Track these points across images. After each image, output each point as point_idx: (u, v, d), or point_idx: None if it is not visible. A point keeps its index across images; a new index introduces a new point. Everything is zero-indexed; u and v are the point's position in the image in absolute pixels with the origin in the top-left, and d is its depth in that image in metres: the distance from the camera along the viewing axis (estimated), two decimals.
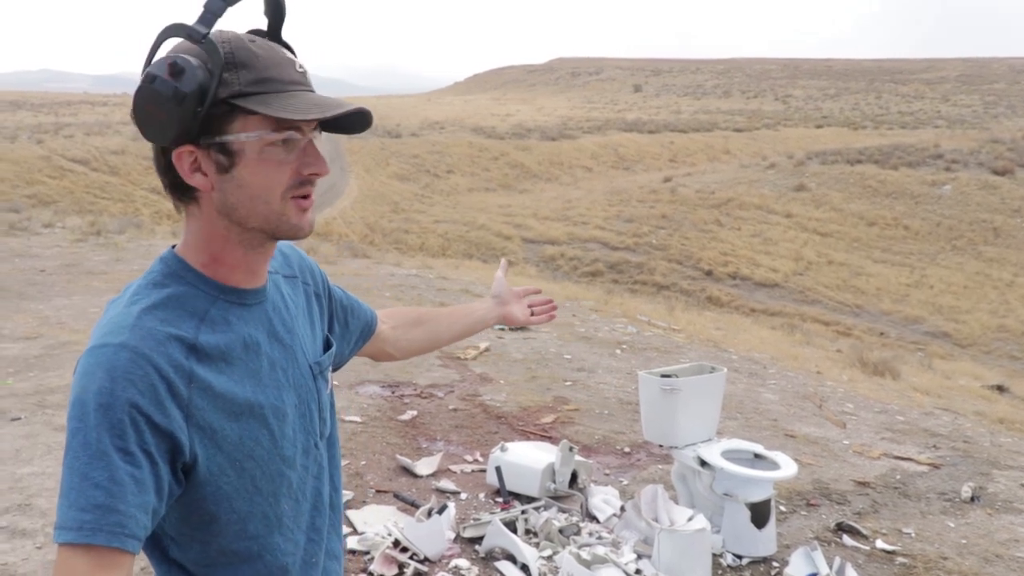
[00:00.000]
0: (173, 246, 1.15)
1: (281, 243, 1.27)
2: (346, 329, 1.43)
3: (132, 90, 1.07)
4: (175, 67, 1.00)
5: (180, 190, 1.08)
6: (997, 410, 7.23)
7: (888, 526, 4.09)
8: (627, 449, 4.97)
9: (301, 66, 1.08)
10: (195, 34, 1.02)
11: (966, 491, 4.58)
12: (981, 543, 3.97)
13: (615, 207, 32.11)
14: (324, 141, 1.15)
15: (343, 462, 4.44)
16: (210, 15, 1.03)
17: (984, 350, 19.68)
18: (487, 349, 7.13)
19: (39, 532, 3.65)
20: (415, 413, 5.34)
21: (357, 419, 5.13)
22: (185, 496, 1.05)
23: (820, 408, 6.25)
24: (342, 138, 43.24)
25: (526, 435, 5.03)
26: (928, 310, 22.16)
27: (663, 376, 3.72)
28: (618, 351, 7.59)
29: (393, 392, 5.78)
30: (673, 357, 7.39)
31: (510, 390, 5.97)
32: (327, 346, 1.32)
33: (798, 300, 23.00)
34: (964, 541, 3.98)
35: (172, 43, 1.05)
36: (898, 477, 4.80)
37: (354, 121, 1.11)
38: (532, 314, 1.76)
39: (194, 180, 1.05)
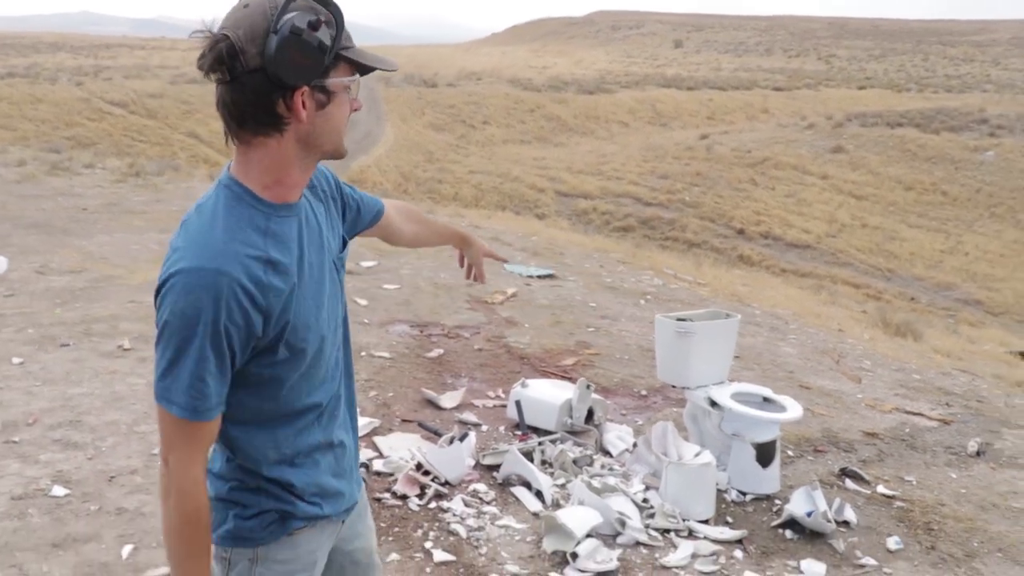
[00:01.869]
0: (230, 174, 1.38)
1: None
2: (358, 217, 1.70)
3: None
4: (316, 25, 1.26)
5: (269, 123, 1.31)
6: (1017, 374, 7.30)
7: (891, 474, 4.25)
8: (644, 392, 5.15)
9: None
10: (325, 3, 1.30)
11: (972, 446, 4.71)
12: (980, 493, 4.12)
13: (650, 163, 31.92)
14: (360, 88, 1.43)
15: (371, 393, 4.69)
16: None
17: (1017, 319, 19.52)
18: (514, 294, 7.31)
19: (89, 446, 3.92)
20: (442, 351, 5.55)
21: (386, 355, 5.36)
22: (250, 368, 1.37)
23: (837, 363, 6.38)
24: (379, 87, 43.20)
25: (547, 375, 5.23)
26: (961, 277, 21.95)
27: (679, 320, 3.88)
28: (642, 301, 7.73)
29: (421, 331, 6.00)
30: (699, 309, 7.51)
31: (534, 333, 6.16)
32: (344, 244, 1.60)
33: (829, 262, 22.88)
34: (963, 490, 4.13)
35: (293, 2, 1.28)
36: (907, 430, 4.93)
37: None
38: (470, 268, 2.15)
39: (301, 115, 1.31)
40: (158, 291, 1.31)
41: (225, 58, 1.25)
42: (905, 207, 27.69)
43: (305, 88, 1.29)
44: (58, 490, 3.49)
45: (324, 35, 1.27)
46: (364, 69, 1.37)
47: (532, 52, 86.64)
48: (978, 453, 4.65)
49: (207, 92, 34.45)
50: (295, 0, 1.27)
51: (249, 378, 1.37)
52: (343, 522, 1.62)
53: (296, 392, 1.44)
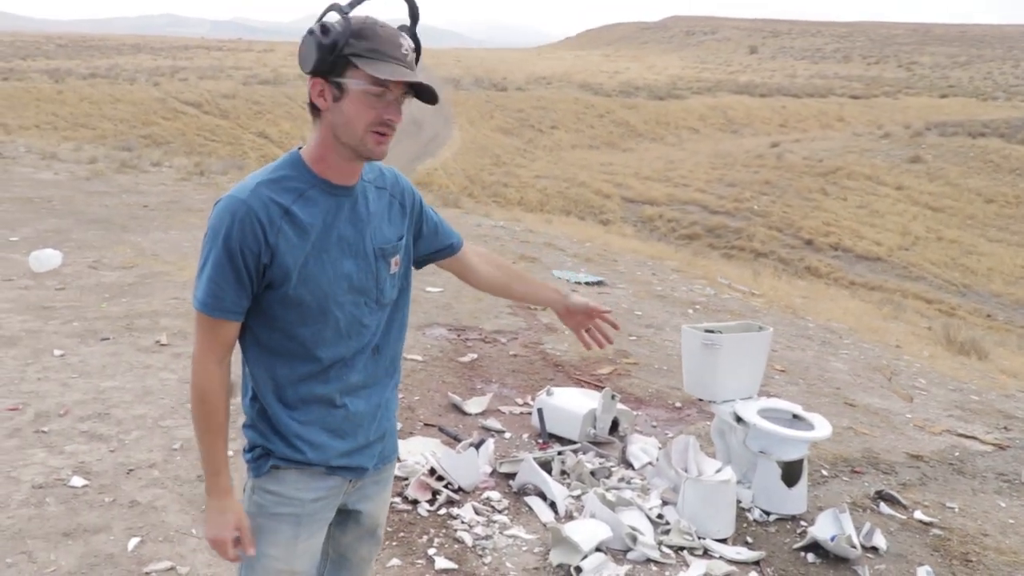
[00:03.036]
0: (300, 147, 1.69)
1: (384, 168, 1.81)
2: (435, 238, 1.91)
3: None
4: (324, 28, 1.55)
5: (314, 107, 1.61)
6: None
7: (932, 499, 4.03)
8: (678, 404, 5.01)
9: (407, 50, 1.58)
10: (341, 10, 1.57)
11: None
12: None
13: (718, 170, 31.43)
14: (404, 105, 1.64)
15: (398, 395, 4.65)
16: (357, 1, 1.59)
17: None
18: None
19: (114, 438, 3.98)
20: (475, 356, 5.50)
21: (418, 358, 5.33)
22: (263, 299, 1.64)
23: (889, 381, 6.12)
24: (448, 89, 43.49)
25: (580, 384, 5.13)
26: None
27: (707, 331, 3.74)
28: (691, 311, 7.57)
29: (459, 335, 5.96)
30: (746, 320, 7.31)
31: (573, 341, 6.06)
32: (399, 238, 1.79)
33: (901, 275, 22.15)
34: (1012, 521, 3.89)
35: (331, 14, 1.57)
36: (956, 454, 4.69)
37: (431, 95, 1.61)
38: (586, 331, 2.10)
39: (317, 100, 1.60)
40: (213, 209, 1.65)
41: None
42: (985, 220, 26.67)
43: (321, 79, 1.57)
44: (77, 480, 3.54)
45: (333, 38, 1.54)
46: (382, 81, 1.57)
47: (604, 57, 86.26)
48: None
49: (278, 93, 35.22)
50: (335, 12, 1.57)
51: (261, 306, 1.64)
52: (351, 483, 1.81)
53: (297, 339, 1.67)
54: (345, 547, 1.94)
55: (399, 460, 3.81)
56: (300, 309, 1.65)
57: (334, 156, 1.63)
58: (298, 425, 1.71)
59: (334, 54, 1.54)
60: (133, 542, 3.11)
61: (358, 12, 1.60)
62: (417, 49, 1.65)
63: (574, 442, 4.09)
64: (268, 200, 1.59)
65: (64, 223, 8.95)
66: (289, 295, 1.62)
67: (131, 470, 3.67)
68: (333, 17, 1.57)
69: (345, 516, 1.89)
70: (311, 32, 1.56)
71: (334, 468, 1.76)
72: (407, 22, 1.66)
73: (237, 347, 1.72)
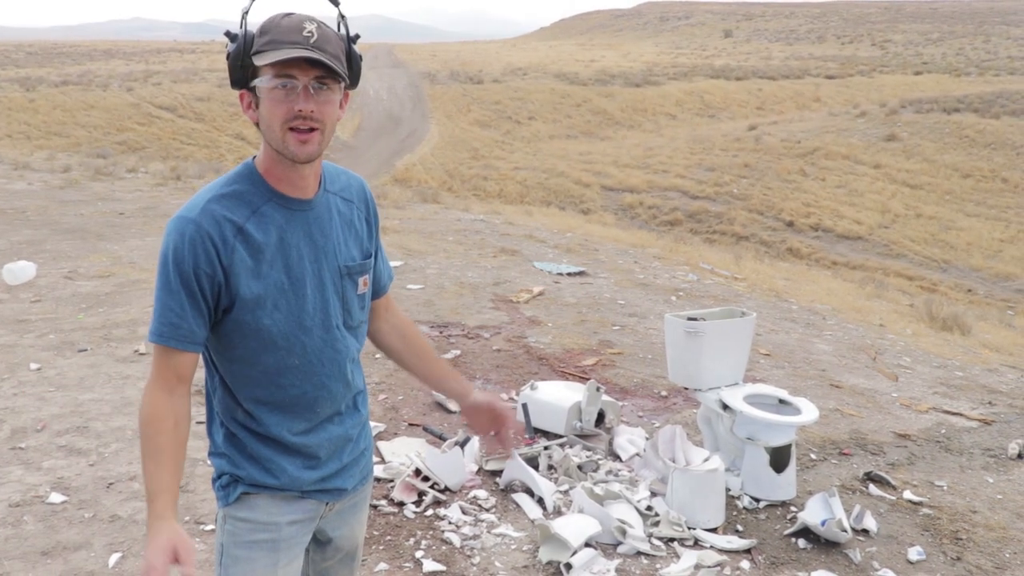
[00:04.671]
0: (254, 156, 1.59)
1: (351, 177, 1.72)
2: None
3: (219, 37, 1.45)
4: (229, 35, 1.50)
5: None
6: None
7: (921, 478, 4.03)
8: (664, 393, 4.98)
9: (311, 32, 1.45)
10: (244, 9, 1.54)
11: (1013, 448, 4.45)
12: (1018, 499, 3.87)
13: (697, 155, 31.44)
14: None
15: (381, 396, 4.60)
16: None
17: None
18: (541, 293, 7.19)
19: (93, 452, 3.91)
20: (459, 352, 5.45)
21: None
22: (221, 325, 1.54)
23: (874, 360, 6.12)
24: (424, 84, 43.29)
25: (565, 376, 5.09)
26: (1022, 267, 21.17)
27: (689, 319, 3.71)
28: (673, 298, 7.54)
29: (441, 332, 5.91)
30: (730, 305, 7.30)
31: (556, 333, 6.02)
32: (366, 256, 1.70)
33: (882, 254, 22.25)
34: (999, 496, 3.89)
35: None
36: (943, 431, 4.69)
37: (347, 72, 1.52)
38: (488, 432, 1.92)
39: (248, 114, 1.53)
40: None
41: None
42: (962, 195, 26.83)
43: (244, 91, 1.51)
44: (55, 497, 3.47)
45: (237, 43, 1.48)
46: (281, 67, 1.46)
47: (579, 46, 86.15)
48: (1020, 456, 4.40)
49: None
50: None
51: (220, 333, 1.54)
52: (328, 505, 1.72)
53: (261, 368, 1.57)
54: (325, 570, 1.85)
55: (384, 461, 3.77)
56: (260, 336, 1.54)
57: (277, 167, 1.53)
58: (269, 451, 1.62)
59: (242, 59, 1.47)
60: (114, 558, 3.05)
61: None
62: (350, 38, 1.55)
63: (560, 436, 4.05)
64: (220, 218, 1.49)
65: (38, 234, 8.82)
66: (246, 321, 1.52)
67: (111, 484, 3.61)
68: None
69: (323, 541, 1.80)
70: (229, 38, 1.50)
71: (309, 492, 1.67)
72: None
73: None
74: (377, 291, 1.79)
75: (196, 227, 1.47)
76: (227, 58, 1.49)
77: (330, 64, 1.44)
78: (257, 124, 1.52)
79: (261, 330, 1.53)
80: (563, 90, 45.15)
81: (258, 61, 1.45)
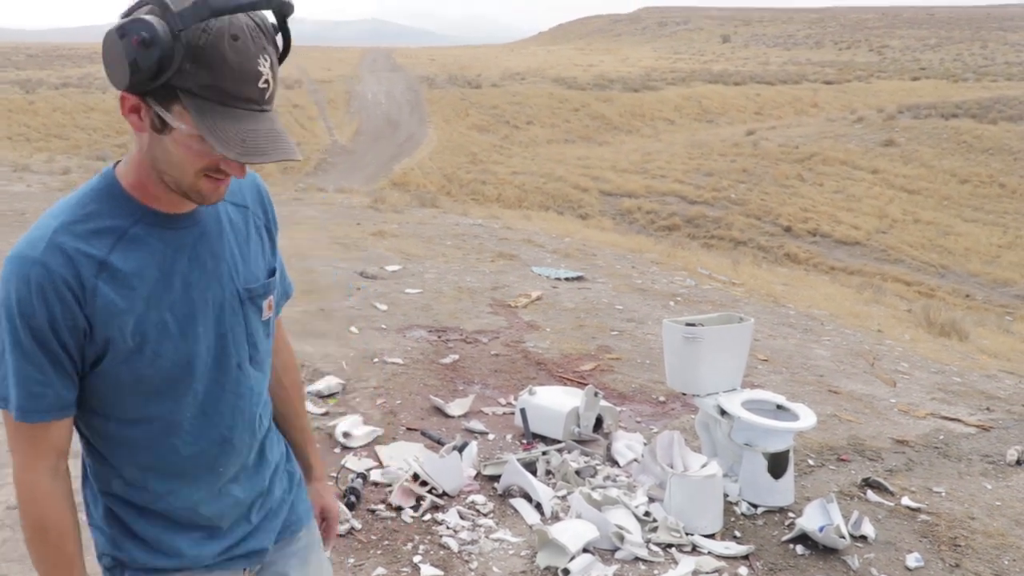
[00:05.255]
0: (117, 162, 1.26)
1: (250, 173, 1.38)
2: None
3: None
4: (145, 42, 1.05)
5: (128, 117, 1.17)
6: None
7: (919, 484, 4.03)
8: (662, 398, 4.99)
9: (266, 82, 1.11)
10: (173, 21, 1.06)
11: (1012, 454, 4.45)
12: (1017, 506, 3.87)
13: (695, 160, 31.50)
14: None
15: (379, 400, 4.60)
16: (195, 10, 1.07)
17: None
18: (539, 298, 7.19)
19: None
20: (457, 357, 5.45)
21: (399, 361, 5.27)
22: (93, 379, 1.23)
23: (872, 366, 6.13)
24: (422, 88, 43.34)
25: (563, 381, 5.09)
26: (1020, 272, 21.19)
27: (687, 324, 3.71)
28: (672, 303, 7.55)
29: (439, 337, 5.90)
30: (727, 311, 7.31)
31: (555, 338, 6.02)
32: (271, 273, 1.41)
33: (880, 259, 22.29)
34: (998, 503, 3.89)
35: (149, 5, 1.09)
36: (941, 437, 4.69)
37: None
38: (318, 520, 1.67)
39: (131, 119, 1.16)
40: None
41: None
42: (960, 201, 26.89)
43: (136, 97, 1.12)
44: None
45: (148, 59, 1.05)
46: (214, 133, 1.10)
47: (577, 50, 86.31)
48: (1018, 462, 4.39)
49: None
50: (154, 6, 1.08)
51: (89, 389, 1.24)
52: (248, 571, 1.45)
53: (144, 426, 1.27)
54: None
55: (382, 466, 3.76)
56: (140, 388, 1.24)
57: (157, 186, 1.21)
58: (157, 529, 1.33)
59: (157, 80, 1.07)
60: None
61: None
62: (285, 52, 1.19)
63: (558, 441, 4.05)
64: (74, 253, 1.15)
65: None
66: (121, 373, 1.21)
67: None
68: (155, 16, 1.07)
69: None
70: (122, 34, 1.06)
71: (214, 565, 1.39)
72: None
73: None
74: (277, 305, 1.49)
75: (43, 270, 1.14)
76: (128, 57, 1.06)
77: (293, 158, 1.13)
78: (143, 136, 1.16)
79: (141, 381, 1.23)
80: (561, 95, 45.23)
81: (199, 119, 1.09)
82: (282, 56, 1.18)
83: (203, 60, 1.07)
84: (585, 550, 3.10)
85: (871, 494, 3.85)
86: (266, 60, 1.11)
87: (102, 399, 1.25)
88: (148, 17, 1.06)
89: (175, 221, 1.25)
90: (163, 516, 1.33)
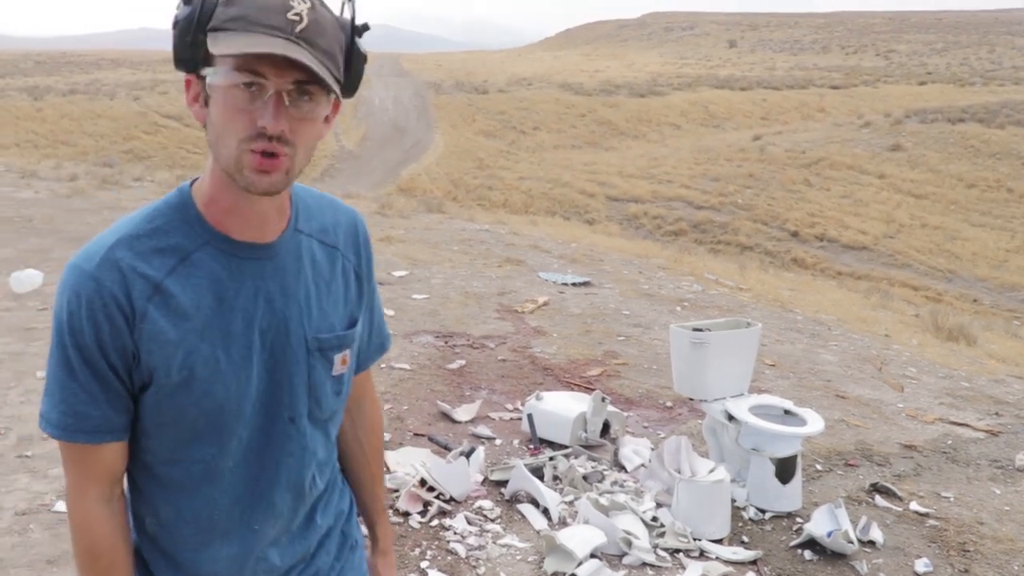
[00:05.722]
0: (195, 179, 1.16)
1: (339, 210, 1.26)
2: (367, 335, 1.36)
3: None
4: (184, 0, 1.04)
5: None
6: None
7: (927, 489, 4.02)
8: (669, 404, 4.98)
9: (298, 15, 1.02)
10: None
11: (1021, 459, 4.44)
12: None
13: (702, 166, 31.50)
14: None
15: (386, 406, 4.61)
16: None
17: None
18: (546, 303, 7.19)
19: None
20: (464, 362, 5.45)
21: (406, 366, 5.28)
22: (139, 407, 1.14)
23: (879, 371, 6.11)
24: (429, 93, 43.43)
25: (570, 386, 5.09)
26: None
27: (695, 329, 3.72)
28: (679, 308, 7.55)
29: (446, 342, 5.91)
30: (735, 316, 7.30)
31: (561, 343, 6.03)
32: (350, 324, 1.26)
33: (887, 264, 22.25)
34: (1007, 508, 3.88)
35: None
36: (949, 442, 4.68)
37: (347, 81, 1.12)
38: None
39: (194, 109, 1.09)
40: None
41: None
42: (967, 205, 26.83)
43: (191, 76, 1.08)
44: (61, 505, 3.47)
45: (184, 8, 1.04)
46: (247, 60, 1.02)
47: (584, 56, 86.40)
48: None
49: None
50: None
51: (137, 416, 1.15)
52: None
53: (183, 466, 1.17)
54: None
55: (389, 471, 3.77)
56: (183, 427, 1.14)
57: (225, 192, 1.10)
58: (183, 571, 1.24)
59: (193, 33, 1.03)
60: None
61: None
62: (355, 28, 1.13)
63: (565, 446, 4.05)
64: (129, 272, 1.07)
65: (45, 242, 8.85)
66: (165, 408, 1.12)
67: None
68: None
69: None
70: (177, 6, 1.06)
71: None
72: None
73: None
74: (357, 365, 1.35)
75: (94, 285, 1.06)
76: (174, 26, 1.05)
77: (316, 69, 1.01)
78: (205, 125, 1.09)
79: (183, 420, 1.13)
80: (568, 100, 45.28)
81: (214, 46, 1.02)
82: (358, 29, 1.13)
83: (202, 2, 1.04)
84: (593, 555, 3.10)
85: (879, 499, 3.84)
86: (304, 1, 1.05)
87: (144, 430, 1.16)
88: None
89: (247, 250, 1.14)
90: (188, 570, 1.22)
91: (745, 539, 3.40)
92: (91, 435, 1.11)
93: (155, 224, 1.11)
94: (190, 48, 1.05)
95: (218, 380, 1.12)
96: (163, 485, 1.19)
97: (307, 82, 1.04)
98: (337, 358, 1.23)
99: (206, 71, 1.05)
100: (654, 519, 3.38)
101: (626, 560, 3.15)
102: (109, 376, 1.09)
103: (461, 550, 3.19)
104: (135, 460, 1.19)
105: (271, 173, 1.05)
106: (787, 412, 3.69)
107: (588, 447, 4.07)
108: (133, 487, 1.22)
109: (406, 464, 3.78)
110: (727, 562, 3.17)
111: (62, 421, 1.10)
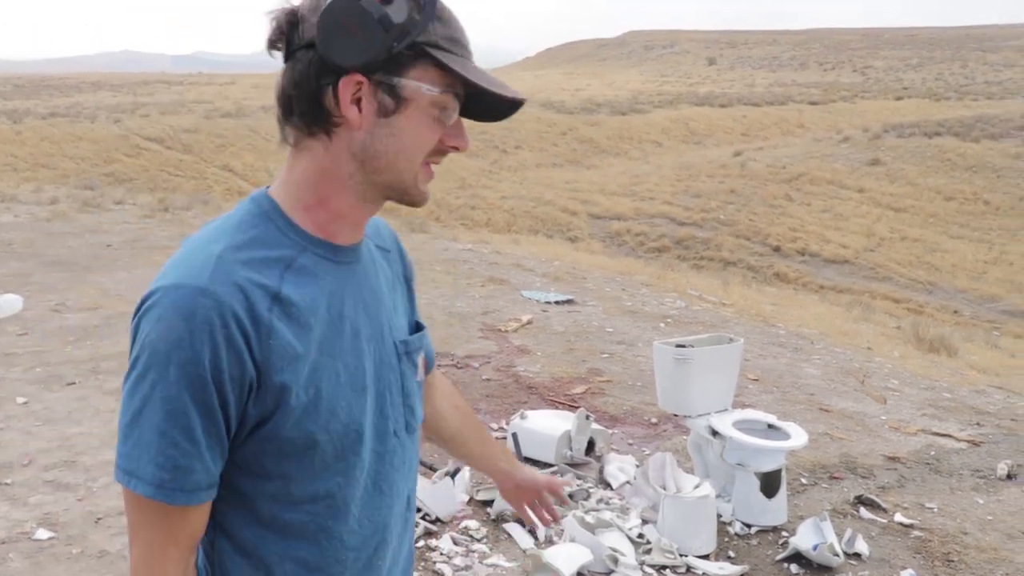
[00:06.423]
0: (267, 187, 1.07)
1: (377, 217, 1.19)
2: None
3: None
4: None
5: (316, 119, 1.00)
6: None
7: (911, 501, 4.04)
8: (654, 420, 4.99)
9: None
10: None
11: (1002, 468, 4.48)
12: (1008, 520, 3.89)
13: (683, 182, 31.70)
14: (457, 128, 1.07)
15: None
16: None
17: None
18: (529, 322, 7.20)
19: (81, 487, 3.88)
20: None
21: None
22: (252, 445, 0.99)
23: (862, 383, 6.15)
24: None
25: (554, 405, 5.10)
26: (1006, 288, 21.36)
27: (678, 346, 3.73)
28: (662, 325, 7.57)
29: None
30: (718, 331, 7.33)
31: (545, 361, 6.03)
32: (417, 330, 1.22)
33: (868, 277, 22.44)
34: (990, 518, 3.91)
35: None
36: (932, 453, 4.71)
37: (500, 111, 1.08)
38: (526, 506, 1.57)
39: (350, 112, 0.99)
40: (134, 317, 0.98)
41: (285, 28, 0.99)
42: (946, 218, 27.12)
43: (362, 78, 0.97)
44: (42, 533, 3.44)
45: (398, 10, 0.96)
46: (467, 86, 1.01)
47: (565, 75, 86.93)
48: (1009, 476, 4.42)
49: (240, 126, 35.06)
50: None
51: (238, 457, 1.00)
52: None
53: (304, 509, 1.03)
54: None
55: None
56: (312, 456, 1.01)
57: (347, 197, 1.03)
58: None
59: (404, 41, 0.96)
60: None
61: None
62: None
63: (551, 465, 4.05)
64: (245, 282, 0.95)
65: (25, 266, 8.79)
66: (292, 436, 0.99)
67: (100, 519, 3.58)
68: None
69: None
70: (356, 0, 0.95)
71: None
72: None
73: None
74: (430, 363, 1.32)
75: (212, 302, 0.92)
76: (371, 21, 0.95)
77: (517, 95, 1.04)
78: (318, 124, 1.00)
79: (313, 447, 1.00)
80: (549, 119, 45.48)
81: (452, 63, 0.99)
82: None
83: (440, 15, 1.00)
84: (579, 573, 3.09)
85: (864, 511, 3.86)
86: None
87: (259, 472, 1.01)
88: None
89: (342, 253, 1.06)
90: None
91: (731, 554, 3.41)
92: (191, 494, 0.95)
93: (250, 234, 1.00)
94: (389, 53, 0.97)
95: (341, 397, 1.02)
96: (282, 535, 1.03)
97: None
98: (418, 361, 1.19)
99: (406, 81, 0.99)
100: (640, 536, 3.38)
101: None
102: (218, 416, 0.94)
103: (448, 571, 3.18)
104: (242, 514, 1.03)
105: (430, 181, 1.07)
106: (771, 426, 3.71)
107: (573, 465, 4.07)
108: (225, 554, 1.05)
109: None
110: None
111: (158, 477, 0.93)
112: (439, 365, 5.54)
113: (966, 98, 53.62)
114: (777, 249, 24.73)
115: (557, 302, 8.12)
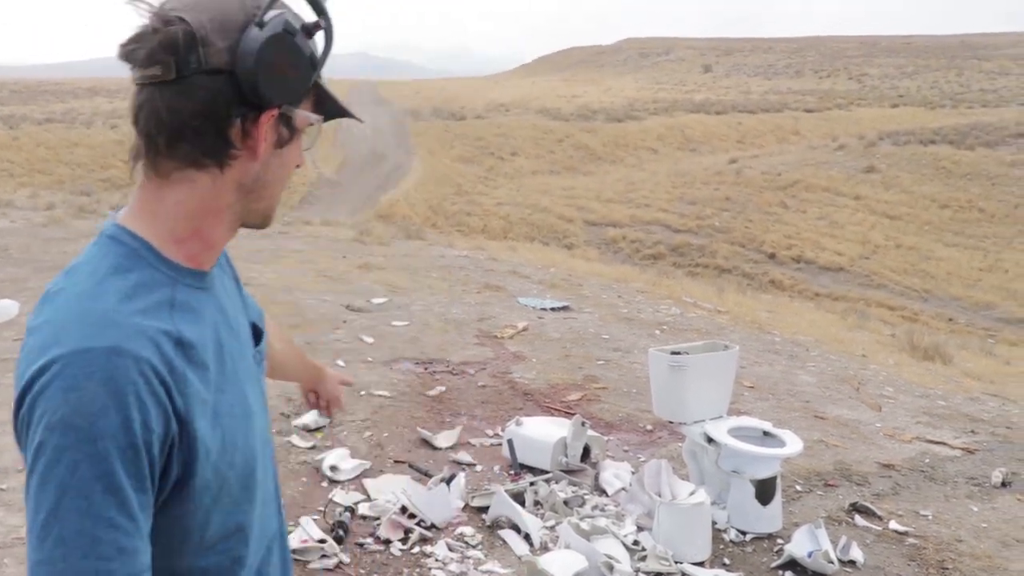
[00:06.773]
0: (119, 224, 0.97)
1: None
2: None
3: None
4: (311, 30, 0.95)
5: (211, 151, 0.92)
6: None
7: (906, 508, 4.05)
8: (649, 427, 5.00)
9: None
10: (317, 5, 0.96)
11: (997, 476, 4.49)
12: (1003, 527, 3.90)
13: (679, 189, 31.75)
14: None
15: (366, 433, 4.60)
16: None
17: None
18: (525, 328, 7.21)
19: None
20: (443, 389, 5.45)
21: (386, 393, 5.27)
22: (173, 507, 0.92)
23: (857, 391, 6.17)
24: (407, 120, 43.55)
25: (550, 411, 5.10)
26: (1001, 295, 21.41)
27: (673, 353, 3.74)
28: (658, 332, 7.58)
29: (426, 369, 5.91)
30: (713, 339, 7.35)
31: (541, 368, 6.04)
32: (255, 331, 1.17)
33: (863, 284, 22.47)
34: (984, 525, 3.92)
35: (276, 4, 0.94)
36: (927, 461, 4.72)
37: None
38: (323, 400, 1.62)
39: (259, 149, 0.95)
40: (20, 401, 0.85)
41: (179, 47, 0.88)
42: (941, 225, 27.19)
43: (276, 112, 0.94)
44: None
45: (313, 47, 0.95)
46: (330, 111, 1.02)
47: (561, 82, 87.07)
48: (1003, 484, 4.43)
49: None
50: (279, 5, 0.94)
51: (166, 522, 0.93)
52: None
53: (222, 546, 1.00)
54: None
55: (370, 499, 3.75)
56: (227, 495, 0.97)
57: (221, 230, 0.99)
58: None
59: (317, 71, 0.97)
60: None
61: None
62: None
63: (546, 472, 4.05)
64: (152, 332, 0.88)
65: (21, 271, 8.77)
66: (210, 480, 0.93)
67: None
68: (287, 10, 0.95)
69: None
70: (290, 31, 0.92)
71: None
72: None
73: None
74: (260, 326, 1.20)
75: (132, 360, 0.84)
76: (295, 60, 0.93)
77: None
78: (251, 166, 0.96)
79: (227, 486, 0.97)
80: (545, 126, 45.55)
81: (336, 98, 1.02)
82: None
83: (328, 39, 0.98)
84: None
85: (859, 519, 3.87)
86: None
87: (178, 531, 0.94)
88: (284, 10, 0.94)
89: (205, 280, 1.00)
90: None
91: (726, 561, 3.42)
92: None
93: (132, 279, 0.91)
94: (307, 87, 0.97)
95: (238, 430, 0.98)
96: (179, 554, 0.97)
97: None
98: (265, 366, 1.17)
99: (298, 112, 0.98)
100: (635, 543, 3.38)
101: None
102: (148, 486, 0.85)
103: None
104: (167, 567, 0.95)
105: None
106: (766, 433, 3.72)
107: (569, 472, 4.07)
108: None
109: (387, 491, 3.77)
110: None
111: (103, 570, 0.81)
112: (435, 371, 5.55)
113: (961, 106, 53.80)
114: (772, 256, 24.76)
115: (553, 309, 8.13)
